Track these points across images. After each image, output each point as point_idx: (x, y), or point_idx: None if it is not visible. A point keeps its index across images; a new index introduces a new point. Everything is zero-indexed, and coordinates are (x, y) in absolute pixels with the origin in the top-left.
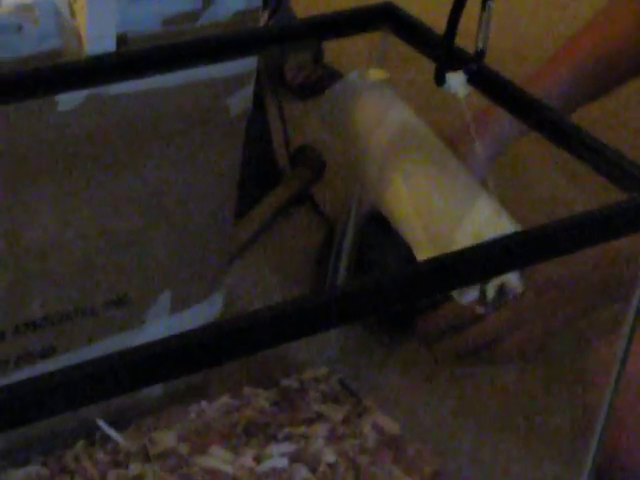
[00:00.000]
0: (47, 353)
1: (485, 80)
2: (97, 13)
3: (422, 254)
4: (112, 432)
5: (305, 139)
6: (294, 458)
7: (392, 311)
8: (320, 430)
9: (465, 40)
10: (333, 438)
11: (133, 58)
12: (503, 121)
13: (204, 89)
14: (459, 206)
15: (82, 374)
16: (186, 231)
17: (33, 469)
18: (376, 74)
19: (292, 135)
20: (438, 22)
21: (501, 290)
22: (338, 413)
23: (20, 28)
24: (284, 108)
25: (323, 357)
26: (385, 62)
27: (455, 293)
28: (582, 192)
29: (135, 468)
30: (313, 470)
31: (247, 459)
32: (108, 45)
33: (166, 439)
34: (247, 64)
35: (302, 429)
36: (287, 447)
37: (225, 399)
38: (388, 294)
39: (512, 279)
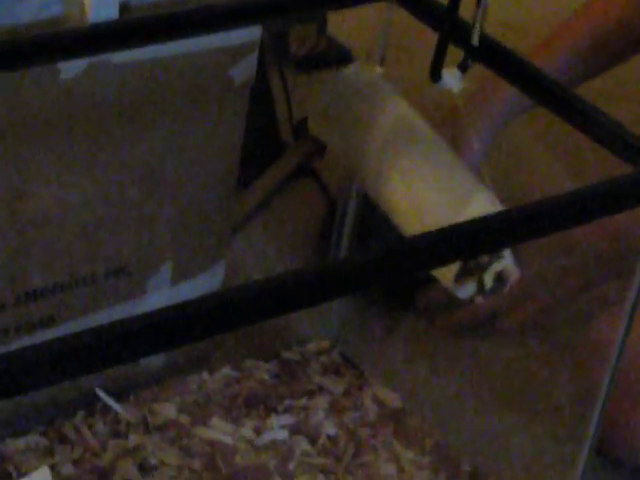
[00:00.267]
0: (47, 323)
1: (489, 52)
2: None
3: None
4: (112, 403)
5: (308, 111)
6: (294, 430)
7: (394, 284)
8: (321, 402)
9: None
10: (334, 411)
11: (136, 26)
12: (505, 96)
13: (207, 58)
14: (456, 200)
15: (82, 342)
16: (188, 201)
17: (32, 439)
18: (373, 68)
19: (295, 107)
20: None
21: (499, 278)
22: (339, 386)
23: None
24: (287, 80)
25: (324, 330)
26: (389, 34)
27: (452, 287)
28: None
29: (135, 439)
30: (313, 442)
31: (247, 431)
32: (110, 13)
33: (166, 410)
34: (250, 34)
35: (303, 401)
36: (287, 419)
37: (226, 371)
38: (388, 266)
39: (509, 266)
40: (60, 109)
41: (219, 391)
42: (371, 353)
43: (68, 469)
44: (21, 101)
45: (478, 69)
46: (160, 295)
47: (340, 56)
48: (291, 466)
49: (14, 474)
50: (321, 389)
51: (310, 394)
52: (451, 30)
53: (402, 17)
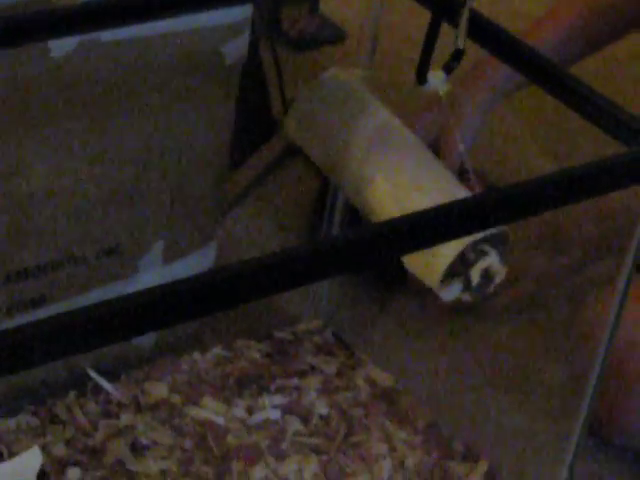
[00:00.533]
0: (39, 302)
1: (483, 31)
2: None
3: (407, 256)
4: (104, 382)
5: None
6: (286, 410)
7: (387, 263)
8: (313, 382)
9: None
10: (326, 391)
11: (127, 4)
12: (502, 71)
13: (198, 37)
14: (441, 201)
15: (73, 321)
16: (180, 181)
17: (24, 419)
18: (350, 72)
19: (287, 86)
20: None
21: (485, 275)
22: (331, 366)
23: None
24: (280, 58)
25: (317, 310)
26: (382, 13)
27: (438, 289)
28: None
29: (126, 419)
30: (305, 422)
31: (239, 411)
32: None
33: (158, 390)
34: (242, 12)
35: (295, 381)
36: (280, 399)
37: (218, 351)
38: (381, 245)
39: (495, 263)
40: (51, 88)
41: (211, 371)
42: (363, 333)
43: (59, 449)
44: (11, 80)
45: (471, 48)
46: (152, 274)
47: (332, 35)
48: (283, 446)
49: (5, 454)
50: (313, 369)
51: (302, 374)
52: (444, 11)
53: None
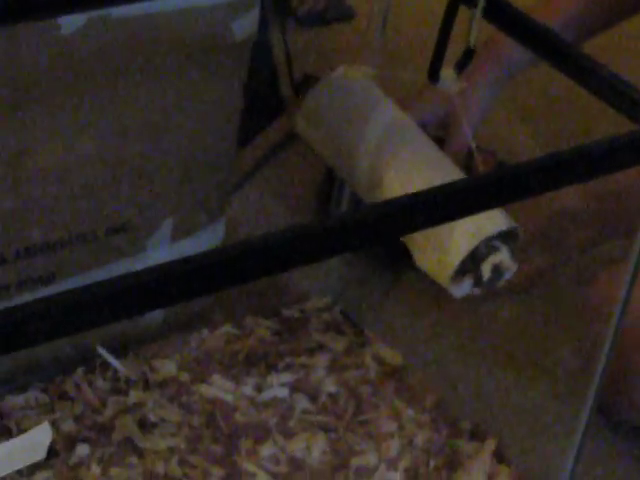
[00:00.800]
0: (48, 279)
1: (494, 9)
2: None
3: (417, 251)
4: (112, 359)
5: (309, 68)
6: (295, 388)
7: (395, 241)
8: (321, 360)
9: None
10: (334, 368)
11: None
12: (513, 49)
13: (208, 13)
14: None
15: (82, 298)
16: (189, 158)
17: (32, 395)
18: (360, 71)
19: (296, 64)
20: None
21: (496, 270)
22: (339, 343)
23: None
24: (289, 36)
25: (325, 287)
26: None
27: (449, 286)
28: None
29: (135, 396)
30: (314, 400)
31: (248, 388)
32: None
33: (166, 367)
34: None
35: (303, 359)
36: (288, 377)
37: (226, 328)
38: (389, 223)
39: (506, 259)
40: (60, 65)
41: (219, 348)
42: (372, 311)
43: (68, 425)
44: (21, 58)
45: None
46: (160, 252)
47: (341, 13)
48: (291, 424)
49: (14, 430)
50: (322, 347)
51: (311, 352)
52: (440, 55)
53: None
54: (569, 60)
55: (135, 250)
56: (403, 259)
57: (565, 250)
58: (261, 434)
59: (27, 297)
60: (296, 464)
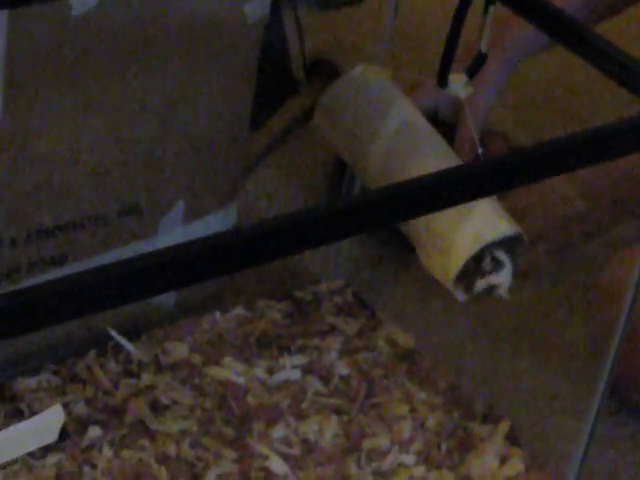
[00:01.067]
0: (59, 261)
1: None
2: None
3: (423, 253)
4: (124, 342)
5: (322, 50)
6: (307, 370)
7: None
8: (333, 343)
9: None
10: (346, 351)
11: None
12: (526, 30)
13: None
14: (461, 207)
15: (94, 280)
16: (201, 141)
17: (44, 378)
18: (378, 70)
19: (308, 46)
20: None
21: (490, 289)
22: (352, 326)
23: None
24: (301, 18)
25: (337, 270)
26: None
27: (454, 290)
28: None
29: (147, 378)
30: (326, 383)
31: (260, 371)
32: None
33: (178, 350)
34: None
35: (315, 341)
36: (300, 359)
37: (238, 311)
38: (401, 205)
39: (504, 284)
40: (71, 46)
41: (231, 331)
42: (384, 293)
43: (80, 408)
44: (32, 38)
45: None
46: (172, 234)
47: None
48: (303, 406)
49: (26, 412)
50: (334, 329)
51: (323, 334)
52: (449, 60)
53: None
54: (583, 42)
55: (147, 232)
56: None
57: (576, 234)
58: (273, 416)
59: (39, 280)
60: (308, 446)
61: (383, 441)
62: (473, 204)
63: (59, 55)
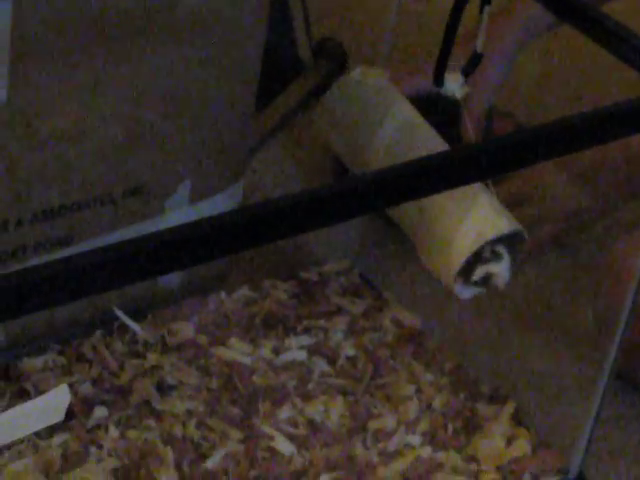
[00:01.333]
0: (65, 241)
1: None
2: None
3: (424, 252)
4: (130, 322)
5: (327, 30)
6: (313, 351)
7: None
8: (339, 323)
9: None
10: (352, 331)
11: None
12: (533, 10)
13: None
14: (460, 205)
15: (100, 259)
16: (207, 121)
17: (50, 358)
18: (377, 72)
19: (314, 27)
20: None
21: (486, 278)
22: (358, 306)
23: None
24: None
25: (343, 250)
26: None
27: (454, 288)
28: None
29: (153, 358)
30: (332, 363)
31: (266, 351)
32: None
33: (184, 330)
34: None
35: (321, 322)
36: (306, 340)
37: (244, 291)
38: (407, 184)
39: (502, 271)
40: (78, 24)
41: (237, 311)
42: (390, 274)
43: (86, 388)
44: (39, 17)
45: None
46: (178, 214)
47: None
48: (309, 387)
49: (32, 392)
50: (340, 310)
51: (329, 315)
52: (445, 60)
53: None
54: (591, 22)
55: (153, 212)
56: None
57: (582, 214)
58: (279, 397)
59: (44, 259)
60: (314, 427)
61: (389, 422)
62: (472, 202)
63: (66, 34)
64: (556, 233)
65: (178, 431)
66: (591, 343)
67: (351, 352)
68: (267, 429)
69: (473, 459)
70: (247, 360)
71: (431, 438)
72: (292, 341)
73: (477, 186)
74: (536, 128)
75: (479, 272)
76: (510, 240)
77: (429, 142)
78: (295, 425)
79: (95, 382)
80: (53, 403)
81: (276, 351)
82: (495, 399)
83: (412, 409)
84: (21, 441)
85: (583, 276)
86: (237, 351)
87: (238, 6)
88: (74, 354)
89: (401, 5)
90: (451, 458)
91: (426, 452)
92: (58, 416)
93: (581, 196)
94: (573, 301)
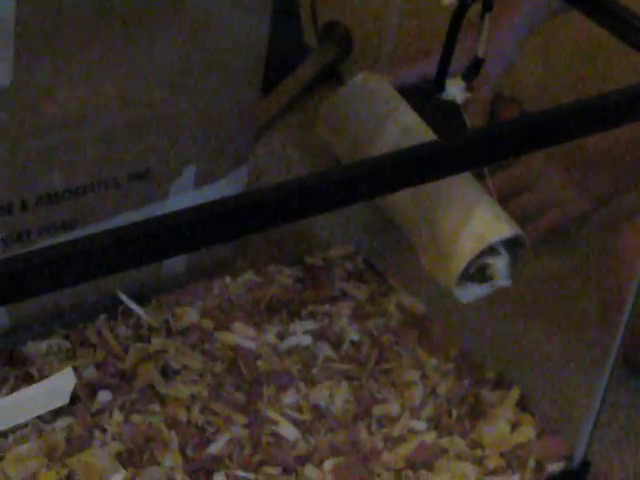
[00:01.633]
0: (70, 225)
1: None
2: None
3: (425, 256)
4: (134, 306)
5: (333, 14)
6: (317, 336)
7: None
8: (344, 308)
9: None
10: (357, 317)
11: None
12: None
13: None
14: (461, 209)
15: (104, 243)
16: (211, 105)
17: (55, 342)
18: (379, 77)
19: (320, 10)
20: None
21: (482, 269)
22: (362, 292)
23: None
24: None
25: (348, 235)
26: None
27: (455, 292)
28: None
29: (157, 343)
30: (336, 348)
31: (270, 336)
32: None
33: (189, 314)
34: None
35: (326, 307)
36: (311, 325)
37: (249, 275)
38: (413, 168)
39: (500, 266)
40: (82, 7)
41: (242, 296)
42: (395, 259)
43: (90, 372)
44: (41, 0)
45: None
46: (183, 198)
47: None
48: (314, 371)
49: (36, 376)
50: (344, 295)
51: (333, 300)
52: (446, 65)
53: None
54: (597, 6)
55: (158, 197)
56: None
57: (590, 200)
58: (284, 382)
59: (48, 243)
60: (319, 412)
61: (394, 407)
62: (473, 206)
63: (70, 17)
64: (557, 220)
65: (182, 416)
66: (597, 328)
67: (356, 337)
68: (271, 414)
69: (478, 445)
70: (252, 345)
71: (436, 424)
72: (297, 326)
73: (477, 190)
74: (541, 113)
75: (476, 264)
76: (511, 244)
77: None
78: (299, 410)
79: (99, 366)
80: (58, 386)
81: (281, 336)
82: (500, 385)
83: (417, 394)
84: (25, 425)
85: (589, 262)
86: (241, 336)
87: None
88: (78, 338)
89: None
90: (456, 444)
91: (431, 437)
92: (63, 400)
93: (582, 184)
94: (579, 287)
